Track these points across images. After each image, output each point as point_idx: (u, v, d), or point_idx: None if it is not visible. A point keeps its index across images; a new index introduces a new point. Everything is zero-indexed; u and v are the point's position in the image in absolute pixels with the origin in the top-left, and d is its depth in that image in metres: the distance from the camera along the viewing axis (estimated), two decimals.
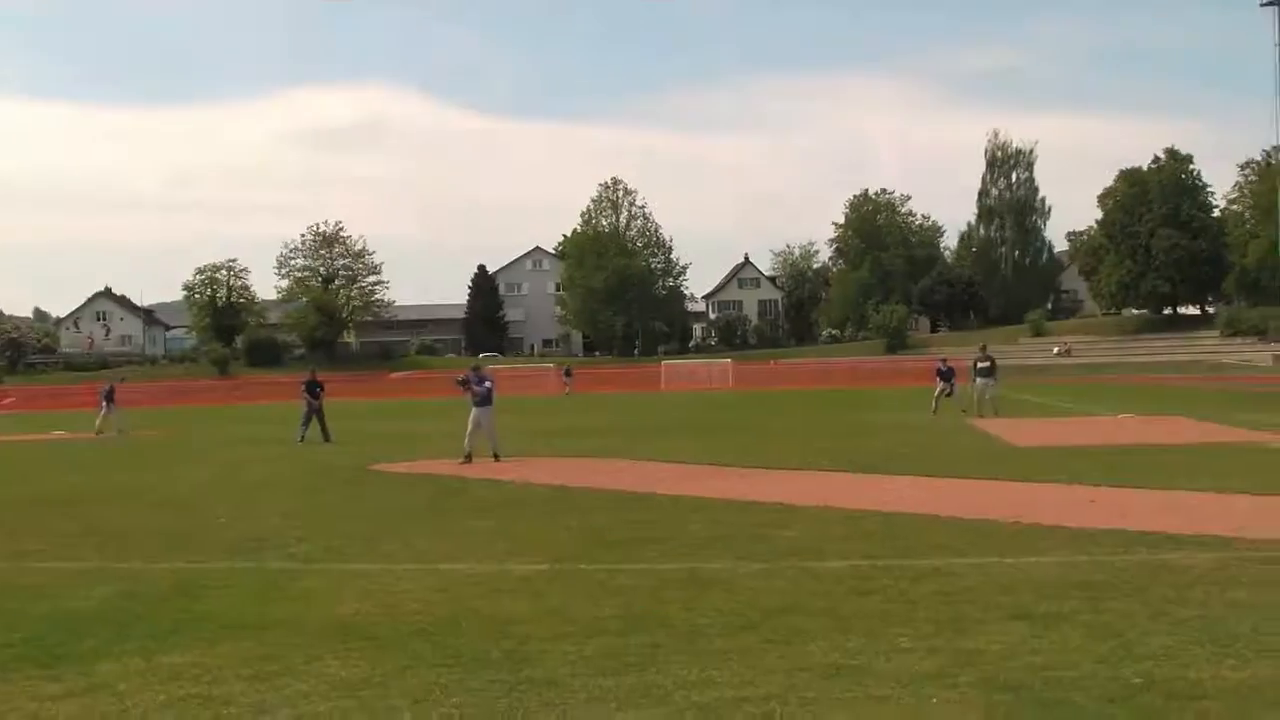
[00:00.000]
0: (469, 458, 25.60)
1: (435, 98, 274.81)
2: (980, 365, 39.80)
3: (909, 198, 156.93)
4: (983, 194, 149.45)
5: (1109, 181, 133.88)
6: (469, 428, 26.44)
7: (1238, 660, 7.99)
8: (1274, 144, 54.51)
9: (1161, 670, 7.79)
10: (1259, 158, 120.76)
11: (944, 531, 14.16)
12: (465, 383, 27.37)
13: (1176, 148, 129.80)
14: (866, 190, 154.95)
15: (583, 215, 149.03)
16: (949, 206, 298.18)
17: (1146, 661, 8.01)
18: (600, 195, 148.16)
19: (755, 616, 9.74)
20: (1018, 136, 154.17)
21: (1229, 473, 20.04)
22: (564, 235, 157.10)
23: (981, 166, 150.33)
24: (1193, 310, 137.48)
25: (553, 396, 75.79)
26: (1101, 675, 7.73)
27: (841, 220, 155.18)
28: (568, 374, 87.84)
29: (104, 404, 45.57)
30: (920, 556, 12.41)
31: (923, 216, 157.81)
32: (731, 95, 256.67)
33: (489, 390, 26.86)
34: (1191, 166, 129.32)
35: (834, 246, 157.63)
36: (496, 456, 25.98)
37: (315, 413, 35.29)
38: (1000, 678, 7.73)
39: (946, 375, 42.26)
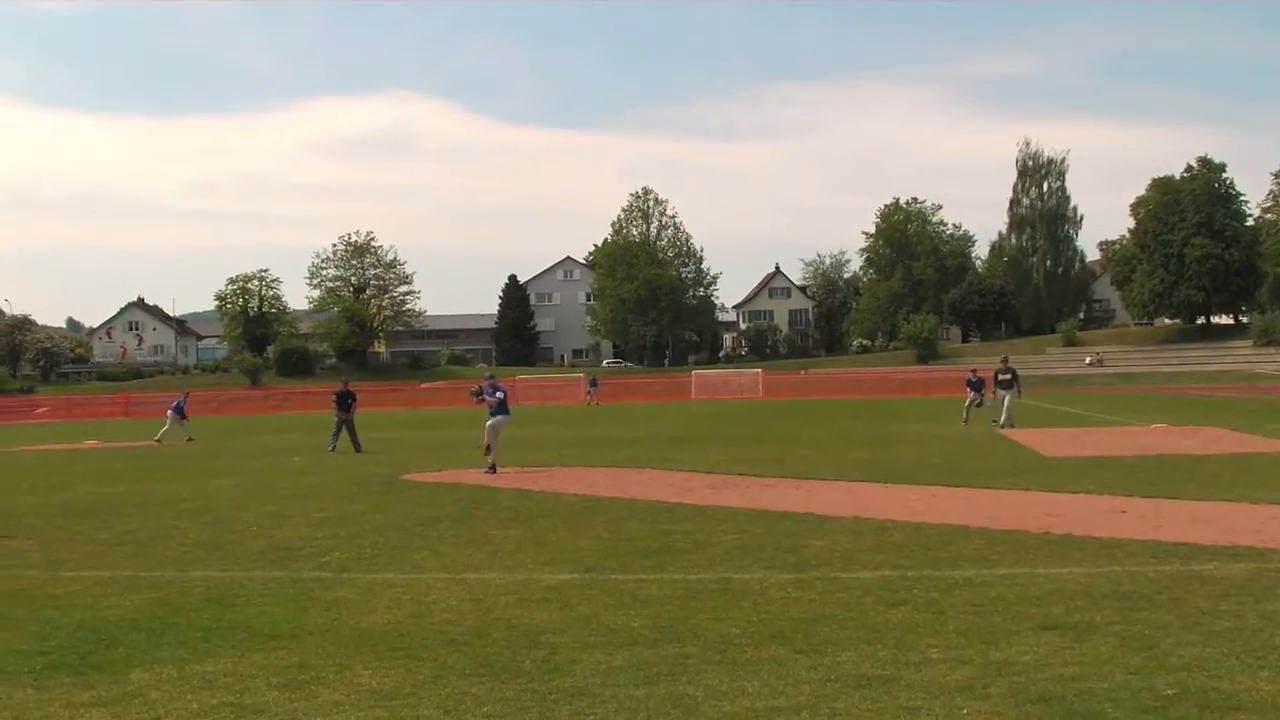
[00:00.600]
0: (494, 468, 25.58)
1: (464, 107, 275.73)
2: (1001, 377, 39.70)
3: (940, 207, 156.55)
4: (1014, 203, 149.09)
5: (1141, 190, 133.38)
6: (488, 438, 26.41)
7: (1272, 672, 7.93)
8: None
9: (1195, 681, 7.74)
10: None
11: (974, 542, 14.12)
12: (479, 394, 27.42)
13: (1210, 156, 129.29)
14: (897, 199, 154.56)
15: (613, 225, 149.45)
16: (980, 216, 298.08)
17: (1180, 673, 7.95)
18: (631, 205, 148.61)
19: (785, 627, 9.73)
20: (1049, 145, 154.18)
21: (1262, 484, 19.93)
22: (595, 245, 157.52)
23: (1013, 175, 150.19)
24: (1226, 320, 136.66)
25: (578, 405, 75.76)
26: (1134, 686, 7.68)
27: (872, 229, 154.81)
28: (593, 384, 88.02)
29: (172, 415, 45.99)
30: (950, 567, 12.37)
31: (954, 226, 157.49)
32: (762, 104, 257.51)
33: (502, 400, 26.86)
34: (1225, 175, 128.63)
35: (865, 256, 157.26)
36: (493, 468, 25.97)
37: (346, 424, 35.38)
38: (1031, 689, 7.69)
39: (976, 386, 42.19)
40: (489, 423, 26.50)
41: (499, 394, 27.02)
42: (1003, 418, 38.37)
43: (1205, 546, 13.16)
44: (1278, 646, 8.59)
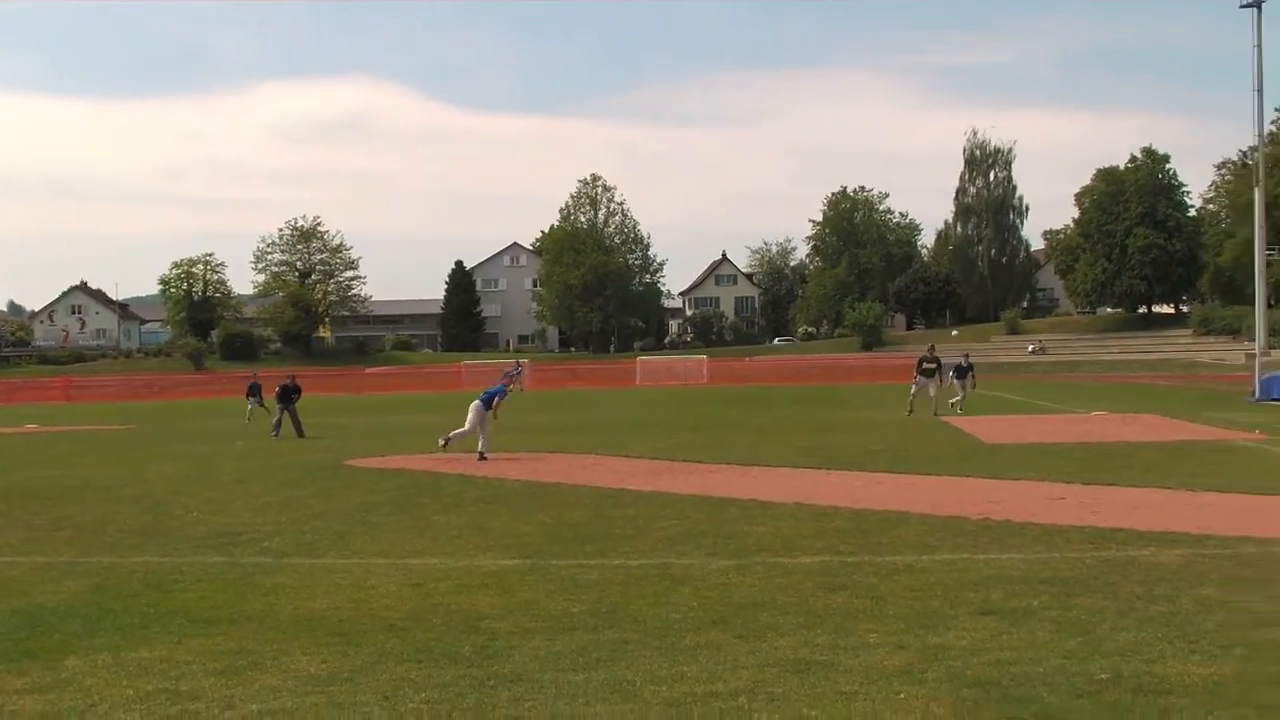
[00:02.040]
0: (483, 456, 25.34)
1: (413, 92, 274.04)
2: (926, 365, 40.19)
3: (887, 195, 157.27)
4: (960, 192, 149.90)
5: (1086, 180, 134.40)
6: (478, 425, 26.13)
7: (1204, 656, 8.02)
8: (1251, 144, 54.40)
9: (1128, 666, 7.81)
10: (1235, 158, 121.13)
11: (915, 528, 14.22)
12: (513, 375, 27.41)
13: (1154, 147, 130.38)
14: (845, 188, 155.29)
15: (561, 211, 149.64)
16: (928, 205, 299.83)
17: (1114, 657, 8.03)
18: (579, 191, 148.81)
19: (725, 612, 9.75)
20: (996, 135, 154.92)
21: (1199, 471, 20.16)
22: (542, 231, 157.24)
23: (960, 165, 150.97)
24: (1167, 309, 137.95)
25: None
26: (1069, 670, 7.75)
27: (819, 218, 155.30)
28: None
29: (251, 399, 45.65)
30: (890, 553, 12.45)
31: (900, 214, 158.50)
32: (710, 91, 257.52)
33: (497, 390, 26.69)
34: (1168, 166, 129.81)
35: (811, 244, 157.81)
36: (446, 444, 25.92)
37: (288, 411, 35.22)
38: (968, 673, 7.75)
39: (929, 374, 42.32)
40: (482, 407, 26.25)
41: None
42: (936, 406, 38.73)
43: (1142, 532, 13.30)
44: (1210, 631, 8.69)
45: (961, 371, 42.28)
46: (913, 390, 40.19)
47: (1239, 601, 9.71)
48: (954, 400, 40.85)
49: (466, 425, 26.04)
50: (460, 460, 24.68)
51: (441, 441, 25.95)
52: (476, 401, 26.32)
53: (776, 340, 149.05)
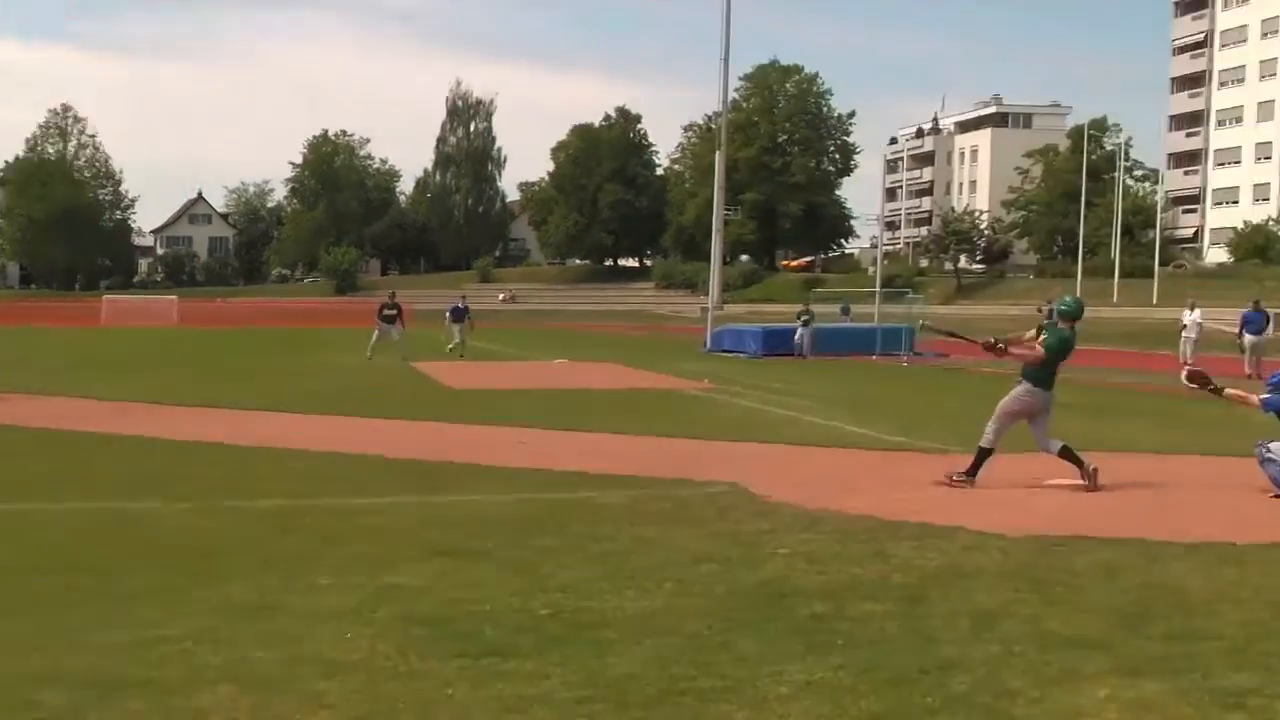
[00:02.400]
0: None
1: None
2: (386, 313, 40.75)
3: (369, 140, 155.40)
4: (441, 141, 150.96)
5: (563, 135, 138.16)
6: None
7: (638, 591, 8.51)
8: (716, 110, 57.37)
9: (568, 601, 8.20)
10: (701, 122, 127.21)
11: (374, 469, 14.40)
12: None
13: (628, 108, 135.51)
14: (326, 131, 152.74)
15: (28, 141, 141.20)
16: (409, 152, 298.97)
17: (555, 594, 8.40)
18: (48, 121, 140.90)
19: (178, 557, 9.60)
20: (479, 87, 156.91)
21: (652, 416, 21.21)
22: (4, 161, 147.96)
23: (442, 114, 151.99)
24: (633, 263, 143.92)
25: None
26: (514, 607, 8.06)
27: (300, 160, 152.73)
28: None
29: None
30: (349, 495, 12.55)
31: (381, 161, 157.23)
32: (194, 23, 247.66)
33: None
34: (640, 126, 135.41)
35: (290, 186, 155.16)
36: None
37: None
38: (417, 612, 7.93)
39: (389, 320, 42.38)
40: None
41: None
42: (402, 353, 39.19)
43: (593, 475, 13.90)
44: (645, 568, 9.24)
45: (459, 314, 42.95)
46: (375, 336, 40.26)
47: (674, 540, 10.34)
48: (451, 345, 41.73)
49: None
50: None
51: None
52: None
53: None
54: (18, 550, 9.87)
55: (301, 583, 8.68)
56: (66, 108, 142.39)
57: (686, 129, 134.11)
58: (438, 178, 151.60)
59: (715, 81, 53.02)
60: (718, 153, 53.53)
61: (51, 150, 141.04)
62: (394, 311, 39.47)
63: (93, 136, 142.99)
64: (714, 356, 44.19)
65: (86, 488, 13.15)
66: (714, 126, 74.00)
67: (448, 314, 44.32)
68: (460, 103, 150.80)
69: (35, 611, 7.92)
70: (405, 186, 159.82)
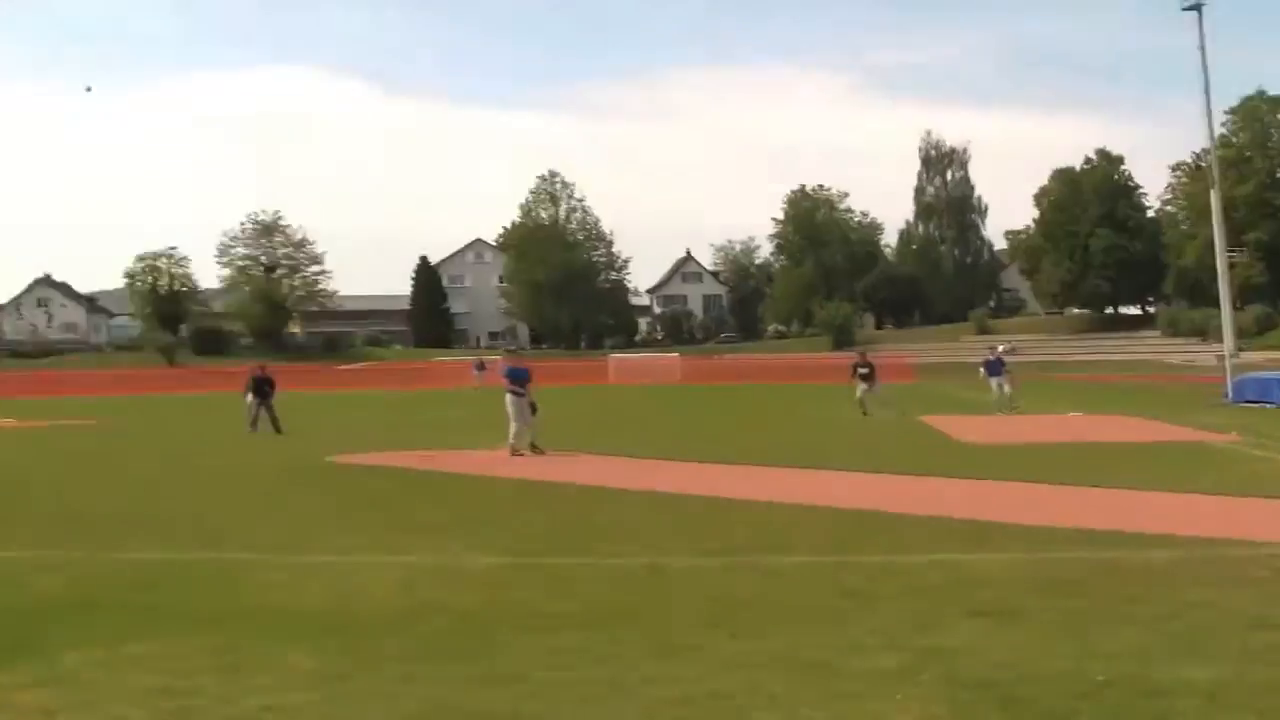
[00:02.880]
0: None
1: (362, 82, 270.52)
2: (860, 371, 40.67)
3: (847, 194, 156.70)
4: (919, 191, 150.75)
5: (1042, 181, 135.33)
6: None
7: (1201, 659, 8.03)
8: (1204, 146, 54.79)
9: (1125, 668, 7.82)
10: (1189, 160, 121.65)
11: (899, 528, 14.24)
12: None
13: (1108, 149, 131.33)
14: (804, 186, 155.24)
15: (522, 207, 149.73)
16: (884, 205, 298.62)
17: (1109, 659, 8.05)
18: (539, 187, 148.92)
19: (720, 612, 9.75)
20: (951, 135, 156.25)
21: (1180, 471, 20.23)
22: (504, 227, 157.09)
23: (916, 165, 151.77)
24: (1133, 310, 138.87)
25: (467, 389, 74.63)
26: (1066, 672, 7.76)
27: (780, 216, 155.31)
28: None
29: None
30: (879, 553, 12.46)
31: (861, 214, 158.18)
32: (662, 88, 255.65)
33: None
34: (1124, 167, 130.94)
35: (775, 242, 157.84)
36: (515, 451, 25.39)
37: (265, 406, 35.04)
38: (964, 675, 7.75)
39: (865, 379, 42.26)
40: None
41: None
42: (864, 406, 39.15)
43: (1129, 534, 13.26)
44: (1201, 635, 8.70)
45: (994, 368, 42.26)
46: (858, 394, 40.33)
47: (1229, 604, 9.74)
48: (996, 400, 41.35)
49: (513, 422, 25.59)
50: (438, 457, 24.68)
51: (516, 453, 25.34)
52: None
53: (722, 337, 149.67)
54: (568, 601, 10.27)
55: (846, 642, 8.64)
56: (554, 173, 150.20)
57: (1174, 168, 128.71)
58: (920, 229, 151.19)
59: (1195, 117, 50.63)
60: (1212, 191, 50.88)
61: (544, 215, 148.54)
62: (867, 370, 39.91)
63: (581, 200, 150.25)
64: (1237, 407, 41.91)
65: (622, 543, 13.54)
66: (1203, 165, 70.70)
67: (982, 369, 43.55)
68: (933, 152, 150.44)
69: (579, 666, 8.16)
70: (888, 239, 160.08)
